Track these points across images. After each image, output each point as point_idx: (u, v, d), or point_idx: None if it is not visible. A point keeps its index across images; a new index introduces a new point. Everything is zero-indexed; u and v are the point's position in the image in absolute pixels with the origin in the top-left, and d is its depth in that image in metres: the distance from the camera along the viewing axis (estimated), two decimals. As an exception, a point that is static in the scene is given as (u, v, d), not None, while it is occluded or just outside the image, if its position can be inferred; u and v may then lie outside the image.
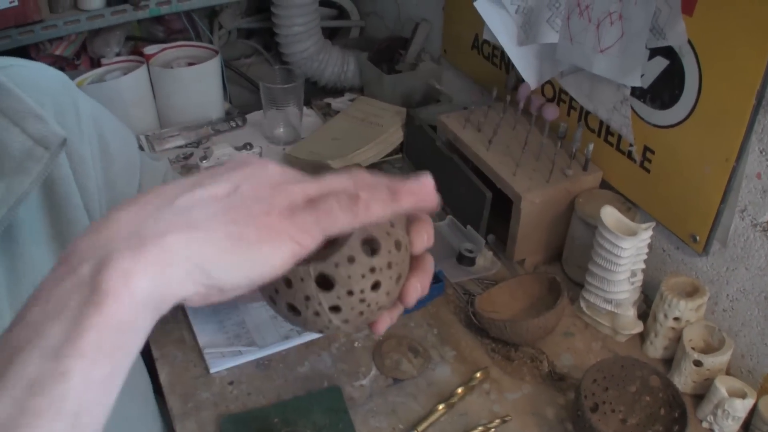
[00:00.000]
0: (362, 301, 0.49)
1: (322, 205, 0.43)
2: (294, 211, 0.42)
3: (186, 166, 1.45)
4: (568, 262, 1.20)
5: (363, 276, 0.48)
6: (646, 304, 1.10)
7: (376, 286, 0.49)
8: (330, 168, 1.37)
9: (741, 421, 0.91)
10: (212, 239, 0.40)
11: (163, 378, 0.99)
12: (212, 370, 1.00)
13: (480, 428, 0.92)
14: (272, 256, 0.41)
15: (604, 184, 1.18)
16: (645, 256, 1.03)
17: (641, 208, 1.12)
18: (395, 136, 1.51)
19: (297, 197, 0.43)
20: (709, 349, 0.97)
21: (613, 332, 1.07)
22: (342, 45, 1.87)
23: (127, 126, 0.88)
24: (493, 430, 0.93)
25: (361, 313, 0.49)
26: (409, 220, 0.53)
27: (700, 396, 0.96)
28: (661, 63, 1.00)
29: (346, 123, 1.58)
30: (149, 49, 1.58)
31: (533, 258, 1.22)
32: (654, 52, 1.00)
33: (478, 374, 0.99)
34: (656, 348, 1.04)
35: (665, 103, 1.02)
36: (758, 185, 0.92)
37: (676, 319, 0.99)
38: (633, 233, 0.99)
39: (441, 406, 0.95)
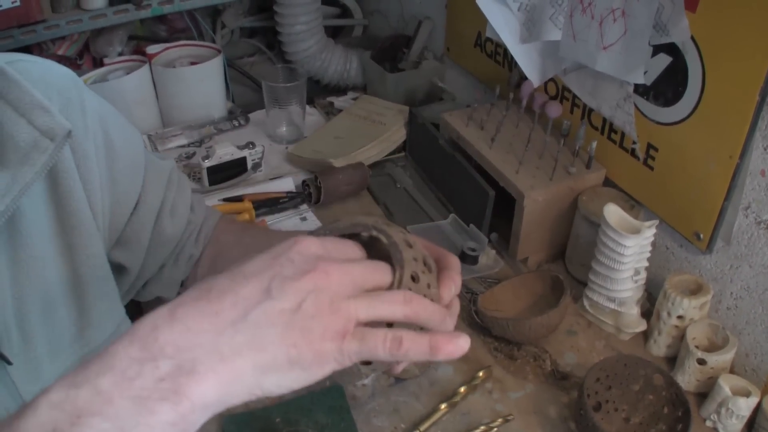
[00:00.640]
0: None
1: (370, 339, 0.47)
2: (344, 335, 0.46)
3: (189, 165, 1.45)
4: (571, 260, 1.20)
5: None
6: (650, 303, 1.09)
7: None
8: (333, 167, 1.37)
9: (745, 420, 0.91)
10: (275, 362, 0.45)
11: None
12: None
13: (482, 427, 0.92)
14: (317, 373, 0.46)
15: (608, 182, 1.17)
16: (648, 254, 1.03)
17: (645, 206, 1.11)
18: (398, 134, 1.50)
19: (350, 321, 0.47)
20: (712, 348, 0.97)
21: (617, 330, 1.07)
22: (345, 43, 1.87)
23: (130, 125, 0.87)
24: (495, 429, 0.92)
25: (388, 363, 0.54)
26: (438, 269, 0.58)
27: (703, 394, 0.96)
28: (664, 60, 1.00)
29: (348, 121, 1.57)
30: (152, 49, 1.58)
31: (536, 256, 1.21)
32: (657, 49, 1.00)
33: (480, 373, 0.99)
34: (660, 346, 1.03)
35: (668, 100, 1.01)
36: (762, 182, 0.91)
37: (679, 317, 0.99)
38: (636, 231, 0.99)
39: (443, 406, 0.95)
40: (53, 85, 0.72)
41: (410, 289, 0.51)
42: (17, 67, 0.68)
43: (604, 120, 1.15)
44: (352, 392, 0.97)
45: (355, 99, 1.69)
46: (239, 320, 0.45)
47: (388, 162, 1.50)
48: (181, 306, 0.46)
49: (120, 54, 1.62)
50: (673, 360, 1.02)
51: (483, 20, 1.21)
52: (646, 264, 1.04)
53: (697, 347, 0.95)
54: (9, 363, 0.67)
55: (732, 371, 0.99)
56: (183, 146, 1.53)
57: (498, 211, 1.20)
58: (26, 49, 1.49)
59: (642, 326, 1.05)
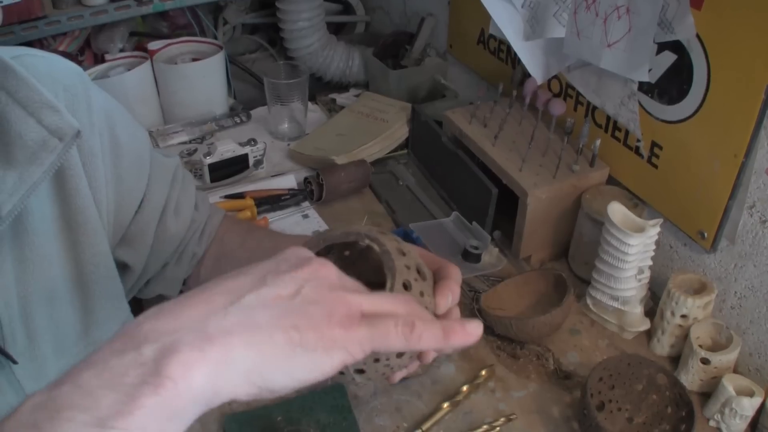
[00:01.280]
0: (387, 365, 0.52)
1: (380, 324, 0.45)
2: (351, 321, 0.44)
3: (190, 162, 1.45)
4: (574, 258, 1.19)
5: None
6: (653, 302, 1.09)
7: (401, 354, 0.52)
8: (335, 164, 1.37)
9: (749, 420, 0.90)
10: (273, 343, 0.42)
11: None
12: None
13: (485, 427, 0.92)
14: (324, 363, 0.43)
15: (611, 180, 1.17)
16: (652, 253, 1.02)
17: (649, 205, 1.11)
18: (400, 131, 1.50)
19: (354, 309, 0.45)
20: (716, 347, 0.96)
21: (620, 330, 1.06)
22: (347, 40, 1.86)
23: (132, 122, 0.87)
24: (498, 428, 0.92)
25: (384, 374, 0.53)
26: (435, 280, 0.57)
27: (707, 394, 0.95)
28: (669, 57, 0.99)
29: (351, 118, 1.57)
30: (153, 45, 1.57)
31: (539, 254, 1.21)
32: (662, 47, 0.99)
33: (483, 372, 0.99)
34: (663, 346, 1.03)
35: (673, 98, 1.01)
36: (767, 181, 0.91)
37: (683, 316, 0.98)
38: (640, 230, 0.98)
39: (446, 405, 0.94)
40: (59, 81, 0.72)
41: None
42: (23, 62, 0.68)
43: (608, 118, 1.15)
44: (354, 391, 0.97)
45: (357, 96, 1.69)
46: (230, 304, 0.43)
47: (390, 159, 1.49)
48: (171, 302, 0.44)
49: (121, 50, 1.61)
50: (676, 359, 1.01)
51: (486, 17, 1.20)
52: (650, 263, 1.03)
53: (700, 347, 0.95)
54: (14, 362, 0.67)
55: (736, 371, 0.98)
56: (184, 143, 1.52)
57: (501, 209, 1.20)
58: (27, 46, 1.48)
59: (645, 325, 1.05)
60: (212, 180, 1.37)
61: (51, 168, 0.65)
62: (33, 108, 0.65)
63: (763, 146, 0.90)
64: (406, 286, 0.52)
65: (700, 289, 0.99)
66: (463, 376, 1.00)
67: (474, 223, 1.22)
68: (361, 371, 0.51)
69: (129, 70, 1.50)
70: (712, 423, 0.93)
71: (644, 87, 1.05)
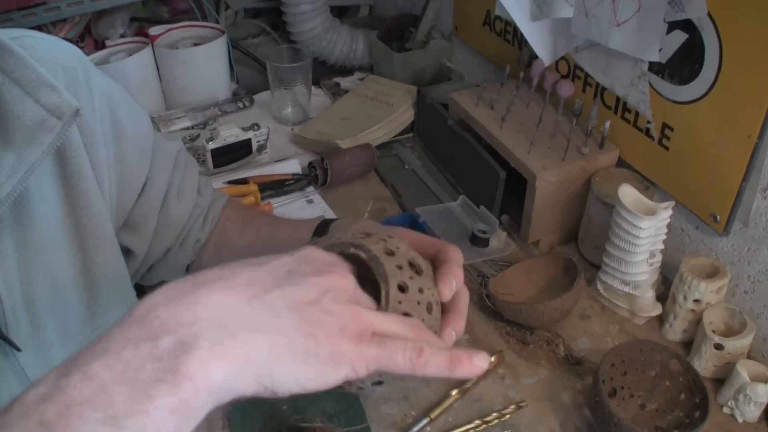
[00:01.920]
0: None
1: (389, 345, 0.45)
2: (362, 339, 0.44)
3: (193, 147, 1.43)
4: (584, 242, 1.17)
5: None
6: (665, 286, 1.07)
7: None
8: (339, 148, 1.35)
9: (763, 406, 0.89)
10: (291, 348, 0.42)
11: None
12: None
13: (495, 414, 0.90)
14: (330, 375, 0.43)
15: (621, 163, 1.15)
16: (664, 237, 1.00)
17: (660, 187, 1.09)
18: (406, 115, 1.48)
19: (367, 327, 0.45)
20: (730, 332, 0.95)
21: (631, 315, 1.05)
22: (351, 23, 1.84)
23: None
24: (508, 416, 0.91)
25: (394, 377, 0.52)
26: (435, 265, 0.56)
27: (720, 380, 0.94)
28: (679, 37, 0.97)
29: (355, 102, 1.55)
30: (154, 30, 1.55)
31: (548, 239, 1.19)
32: (672, 26, 0.97)
33: (492, 358, 0.97)
34: (675, 331, 1.01)
35: (684, 79, 0.99)
36: (782, 162, 0.89)
37: (696, 301, 0.97)
38: (652, 213, 0.97)
39: (454, 392, 0.93)
40: (59, 63, 0.70)
41: (400, 302, 0.50)
42: (22, 43, 0.66)
43: (618, 99, 1.13)
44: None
45: (361, 80, 1.67)
46: (256, 298, 0.43)
47: (395, 143, 1.48)
48: (188, 283, 0.43)
49: (122, 36, 1.60)
50: (688, 345, 0.99)
51: (492, -3, 1.18)
52: (662, 246, 1.01)
53: (713, 332, 0.93)
54: (18, 350, 0.66)
55: (749, 356, 0.97)
56: (187, 128, 1.51)
57: (509, 193, 1.18)
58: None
59: (657, 310, 1.03)
60: (215, 165, 1.36)
61: (50, 148, 0.64)
62: (30, 87, 0.63)
63: (778, 126, 0.88)
64: (402, 288, 0.50)
65: (712, 273, 0.98)
66: (472, 363, 0.99)
67: (481, 206, 1.20)
68: (377, 382, 0.51)
69: (130, 55, 1.49)
70: (725, 410, 0.91)
71: (654, 67, 1.03)
